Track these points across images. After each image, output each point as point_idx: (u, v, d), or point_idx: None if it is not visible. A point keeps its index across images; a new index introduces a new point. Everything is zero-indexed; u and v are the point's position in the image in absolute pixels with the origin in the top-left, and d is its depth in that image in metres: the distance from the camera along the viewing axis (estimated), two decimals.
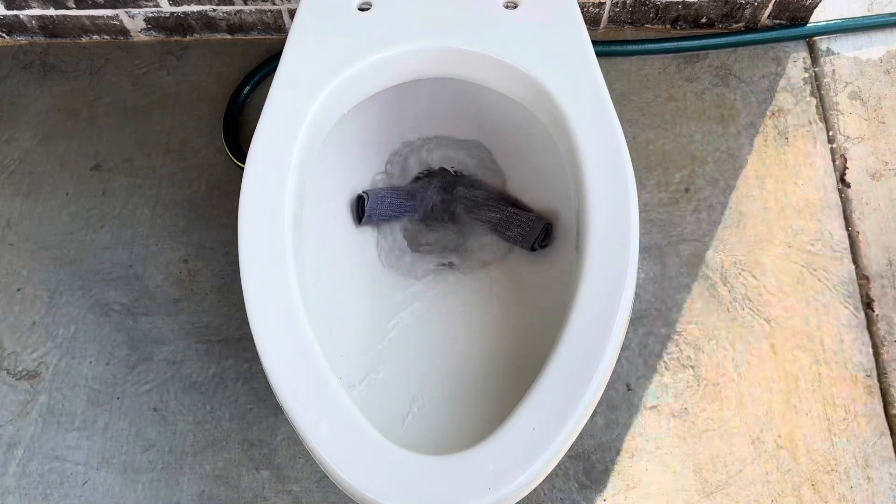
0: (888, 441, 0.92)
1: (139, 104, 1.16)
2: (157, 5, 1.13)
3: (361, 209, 0.86)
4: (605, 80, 0.73)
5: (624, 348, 0.97)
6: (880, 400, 0.94)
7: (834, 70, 1.13)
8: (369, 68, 0.75)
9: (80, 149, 1.14)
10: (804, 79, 1.12)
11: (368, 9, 0.78)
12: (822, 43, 1.15)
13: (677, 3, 1.11)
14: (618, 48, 1.14)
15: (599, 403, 0.94)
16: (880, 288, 0.99)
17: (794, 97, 1.11)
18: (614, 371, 0.94)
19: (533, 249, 0.84)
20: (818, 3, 1.11)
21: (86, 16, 1.16)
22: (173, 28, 1.18)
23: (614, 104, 0.72)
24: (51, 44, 1.22)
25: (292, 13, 1.14)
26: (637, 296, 0.99)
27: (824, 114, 1.10)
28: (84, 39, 1.21)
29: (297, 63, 0.75)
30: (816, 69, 1.13)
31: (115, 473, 0.94)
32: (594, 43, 0.80)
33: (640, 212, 1.04)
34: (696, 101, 1.12)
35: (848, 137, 1.08)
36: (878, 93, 1.11)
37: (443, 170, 0.93)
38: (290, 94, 0.73)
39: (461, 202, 0.90)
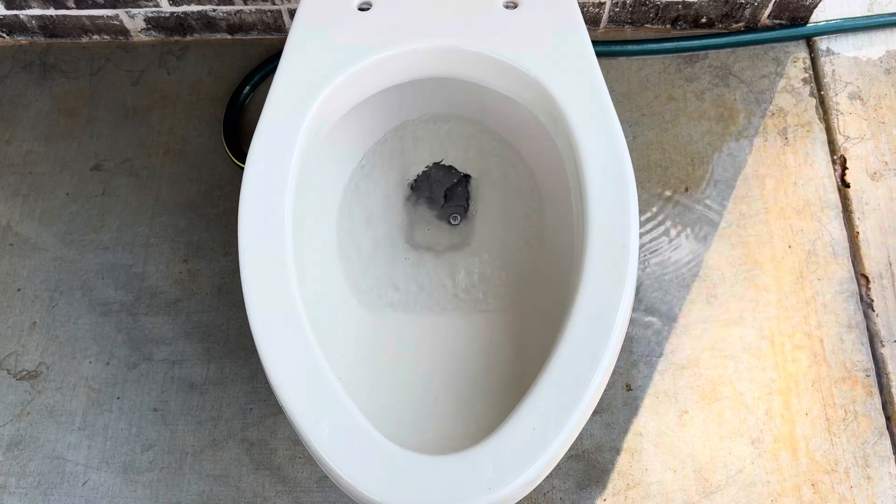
0: (888, 441, 0.92)
1: (139, 104, 1.16)
2: (157, 5, 1.13)
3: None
4: (605, 80, 0.74)
5: (624, 348, 0.97)
6: (880, 400, 0.94)
7: (834, 70, 1.13)
8: (369, 68, 0.75)
9: (80, 149, 1.14)
10: (804, 79, 1.12)
11: (368, 9, 0.78)
12: (822, 43, 1.15)
13: (677, 3, 1.11)
14: (618, 48, 1.14)
15: (599, 403, 0.94)
16: (880, 288, 0.99)
17: (793, 97, 1.11)
18: (614, 371, 0.94)
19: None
20: (818, 3, 1.11)
21: (86, 16, 1.16)
22: (173, 28, 1.18)
23: (614, 104, 0.72)
24: (51, 44, 1.22)
25: (292, 13, 1.14)
26: (637, 295, 0.99)
27: (824, 114, 1.10)
28: (84, 39, 1.21)
29: (297, 63, 0.75)
30: (816, 69, 1.13)
31: (115, 473, 0.94)
32: (594, 43, 0.80)
33: (639, 212, 1.05)
34: (696, 101, 1.12)
35: (848, 137, 1.08)
36: (878, 93, 1.11)
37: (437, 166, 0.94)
38: (290, 94, 0.73)
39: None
